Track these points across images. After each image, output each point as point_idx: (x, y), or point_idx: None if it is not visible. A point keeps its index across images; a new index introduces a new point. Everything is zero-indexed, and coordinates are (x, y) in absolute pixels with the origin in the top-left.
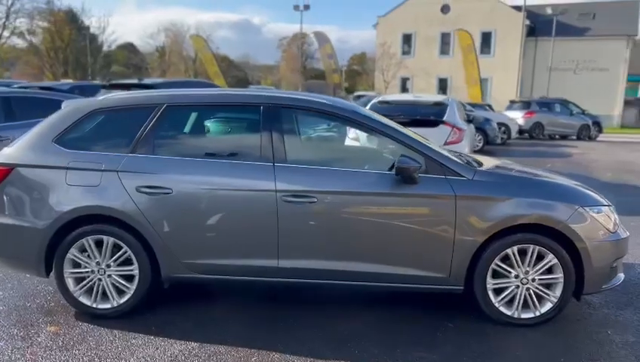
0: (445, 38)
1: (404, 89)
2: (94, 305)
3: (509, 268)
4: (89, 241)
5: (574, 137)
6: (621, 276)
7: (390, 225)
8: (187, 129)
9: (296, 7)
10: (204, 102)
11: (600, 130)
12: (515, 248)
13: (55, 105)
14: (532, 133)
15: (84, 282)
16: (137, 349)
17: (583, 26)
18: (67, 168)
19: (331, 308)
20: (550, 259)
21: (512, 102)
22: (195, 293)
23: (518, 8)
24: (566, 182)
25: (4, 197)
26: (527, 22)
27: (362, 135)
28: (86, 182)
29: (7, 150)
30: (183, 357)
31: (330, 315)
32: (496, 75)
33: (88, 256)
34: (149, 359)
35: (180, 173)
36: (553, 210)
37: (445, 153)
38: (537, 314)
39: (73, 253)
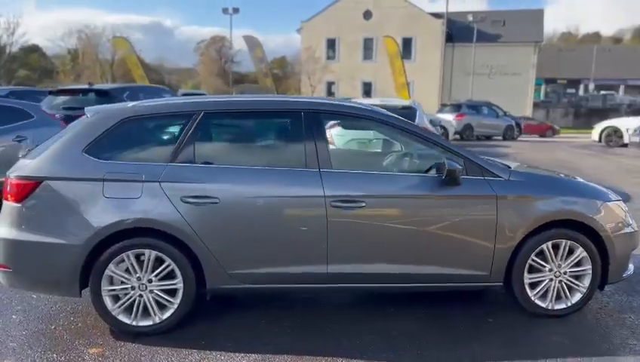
0: (368, 44)
1: (329, 93)
2: (134, 323)
3: (543, 263)
4: (129, 256)
5: (500, 138)
6: (631, 266)
7: (435, 227)
8: (227, 136)
9: (225, 11)
10: (242, 109)
11: (520, 131)
12: (550, 243)
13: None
14: (463, 134)
15: (124, 299)
16: None
17: (495, 33)
18: (104, 180)
19: (376, 310)
20: (580, 252)
21: (444, 105)
22: (225, 303)
23: (435, 15)
24: (581, 180)
25: (31, 213)
26: (445, 28)
27: (340, 138)
28: (126, 195)
29: (30, 163)
30: None
31: (380, 317)
32: (418, 79)
33: (128, 271)
34: None
35: (226, 182)
36: (582, 206)
37: (478, 155)
38: (569, 304)
39: (112, 269)
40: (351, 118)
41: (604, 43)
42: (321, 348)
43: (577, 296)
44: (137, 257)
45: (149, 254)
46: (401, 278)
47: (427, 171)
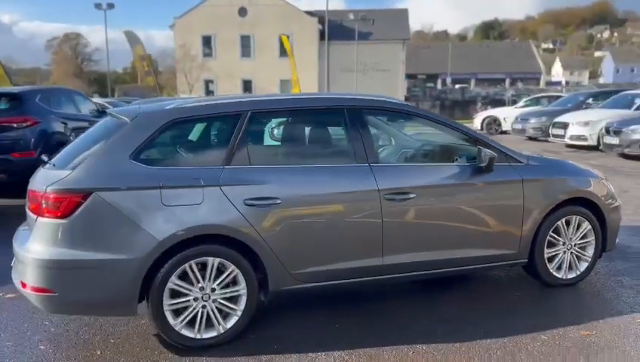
0: (245, 41)
1: (208, 91)
2: (198, 336)
3: (558, 238)
4: (192, 266)
5: None
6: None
7: (475, 212)
8: (276, 135)
9: (98, 6)
10: (286, 107)
11: None
12: (563, 220)
13: None
14: None
15: (188, 312)
16: None
17: (367, 31)
18: (161, 188)
19: (419, 297)
20: (586, 225)
21: None
22: (274, 306)
23: (310, 14)
24: (571, 161)
25: (80, 229)
26: (319, 26)
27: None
28: (187, 201)
29: (69, 173)
30: None
31: (425, 304)
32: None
33: (190, 282)
34: None
35: (285, 182)
36: (587, 184)
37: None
38: (578, 273)
39: (174, 281)
40: (391, 112)
41: (452, 40)
42: (396, 336)
43: (584, 265)
44: (199, 266)
45: (213, 262)
46: (446, 263)
47: (455, 160)
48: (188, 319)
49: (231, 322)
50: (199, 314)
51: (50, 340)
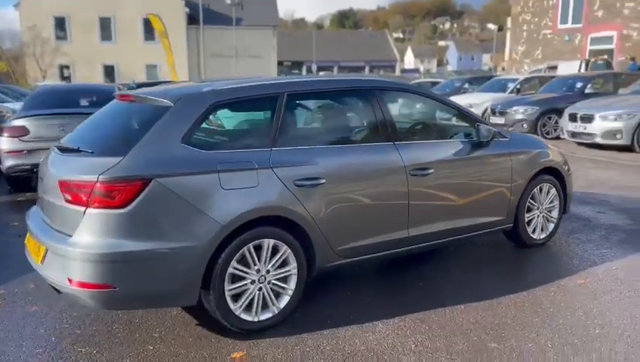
0: (105, 23)
1: (63, 77)
2: (256, 319)
3: (534, 203)
4: (250, 249)
5: None
6: None
7: (477, 183)
8: (310, 116)
9: None
10: (320, 89)
11: None
12: (538, 187)
13: None
14: None
15: (246, 295)
16: (351, 343)
17: (237, 17)
18: (219, 171)
19: (432, 265)
20: (553, 191)
21: None
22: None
23: None
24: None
25: (140, 218)
26: (187, 10)
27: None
28: (244, 184)
29: (123, 161)
30: (397, 335)
31: (438, 273)
32: (164, 61)
33: (248, 265)
34: (378, 346)
35: (328, 162)
36: (555, 155)
37: None
38: (547, 233)
39: (234, 265)
40: (408, 93)
41: (310, 28)
42: (429, 301)
43: (551, 226)
44: (255, 249)
45: (268, 244)
46: (455, 232)
47: (452, 137)
48: (246, 302)
49: (283, 302)
50: (256, 296)
51: (87, 342)
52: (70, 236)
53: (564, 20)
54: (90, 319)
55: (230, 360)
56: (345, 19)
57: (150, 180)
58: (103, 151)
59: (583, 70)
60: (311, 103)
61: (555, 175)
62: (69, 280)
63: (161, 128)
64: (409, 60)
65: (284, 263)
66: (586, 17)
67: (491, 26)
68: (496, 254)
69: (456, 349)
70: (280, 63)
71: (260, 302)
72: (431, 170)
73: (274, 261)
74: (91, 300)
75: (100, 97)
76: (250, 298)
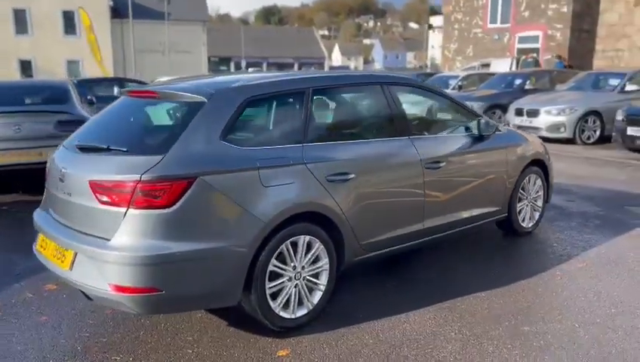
0: (20, 15)
1: None
2: (293, 316)
3: (524, 193)
4: (288, 245)
5: None
6: None
7: (480, 175)
8: (334, 111)
9: None
10: (339, 84)
11: None
12: (527, 178)
13: None
14: None
15: (284, 293)
16: (391, 334)
17: (163, 11)
18: (259, 168)
19: (432, 259)
20: (539, 181)
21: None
22: None
23: None
24: None
25: (185, 218)
26: (111, 3)
27: None
28: (282, 181)
29: (165, 159)
30: (433, 325)
31: (445, 265)
32: (87, 56)
33: (285, 262)
34: (419, 335)
35: (355, 157)
36: (540, 148)
37: None
38: (534, 222)
39: (274, 263)
40: (415, 89)
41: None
42: (451, 290)
43: (537, 215)
44: (292, 246)
45: (303, 240)
46: (462, 223)
47: (453, 131)
48: (285, 300)
49: (316, 298)
50: (292, 293)
51: (116, 349)
52: (108, 239)
53: (493, 20)
54: (111, 326)
55: (277, 358)
56: (270, 15)
57: (195, 178)
58: (139, 149)
59: (514, 67)
60: (334, 98)
61: (541, 166)
62: (111, 286)
63: (199, 125)
64: (336, 58)
65: (316, 259)
66: (513, 17)
67: (413, 25)
68: (489, 245)
69: (495, 334)
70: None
71: (297, 298)
72: (442, 163)
73: (308, 257)
74: (135, 305)
75: (54, 94)
76: (287, 295)
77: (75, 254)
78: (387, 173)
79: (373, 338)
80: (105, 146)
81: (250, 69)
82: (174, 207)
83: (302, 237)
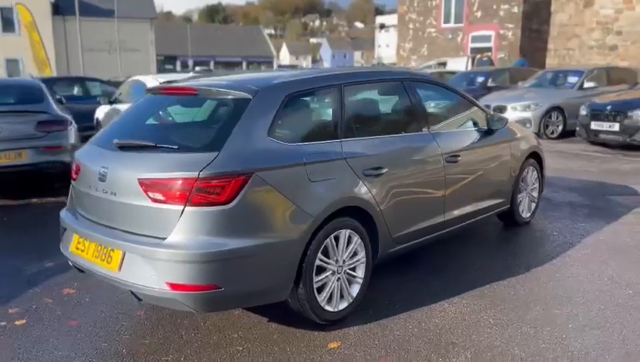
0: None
1: None
2: (336, 309)
3: (523, 185)
4: (331, 240)
5: None
6: None
7: (490, 168)
8: (363, 107)
9: None
10: (368, 80)
11: None
12: (526, 170)
13: None
14: None
15: (329, 287)
16: (433, 323)
17: (108, 8)
18: (305, 164)
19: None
20: (535, 173)
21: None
22: None
23: None
24: None
25: (243, 214)
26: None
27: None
28: (327, 176)
29: (221, 156)
30: (470, 312)
31: (452, 257)
32: (26, 55)
33: (329, 256)
34: (460, 322)
35: (386, 151)
36: (536, 141)
37: None
38: (531, 213)
39: (320, 257)
40: (431, 85)
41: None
42: (470, 279)
43: (533, 206)
44: (335, 240)
45: (345, 234)
46: (474, 214)
47: (466, 125)
48: (329, 294)
49: (355, 290)
50: (335, 286)
51: (164, 351)
52: (164, 238)
53: (447, 20)
54: (148, 328)
55: (329, 350)
56: (214, 13)
57: (251, 174)
58: (190, 146)
59: (469, 66)
60: (363, 94)
61: (536, 158)
62: (169, 285)
63: (247, 122)
64: (284, 56)
65: (355, 253)
66: (466, 17)
67: (359, 25)
68: (493, 236)
69: (530, 318)
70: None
71: (339, 292)
72: (460, 157)
73: (348, 251)
74: (195, 303)
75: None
76: (331, 289)
77: (124, 254)
78: (414, 167)
79: (417, 327)
80: (152, 144)
81: (197, 68)
82: (232, 204)
83: (343, 231)
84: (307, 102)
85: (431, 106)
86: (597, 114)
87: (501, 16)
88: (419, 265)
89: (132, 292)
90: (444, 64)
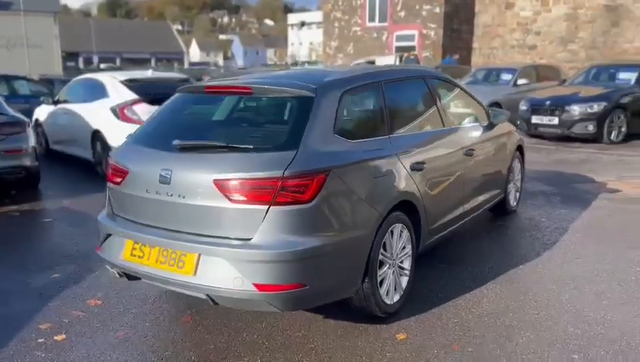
0: None
1: None
2: (392, 302)
3: (512, 175)
4: (389, 234)
5: None
6: None
7: (494, 159)
8: (401, 103)
9: None
10: (397, 78)
11: None
12: (514, 161)
13: None
14: None
15: (388, 280)
16: (481, 309)
17: (7, 1)
18: (367, 160)
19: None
20: (519, 165)
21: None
22: None
23: None
24: None
25: (323, 211)
26: None
27: None
28: (384, 172)
29: (300, 154)
30: (509, 297)
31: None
32: None
33: (386, 250)
34: (510, 303)
35: (425, 146)
36: (517, 134)
37: None
38: (517, 201)
39: (381, 251)
40: (444, 82)
41: (76, 16)
42: (484, 268)
43: (518, 195)
44: (391, 234)
45: (399, 228)
46: (482, 205)
47: (472, 120)
48: (387, 287)
49: (404, 283)
50: (391, 280)
51: (236, 356)
52: (247, 239)
53: (371, 19)
54: (204, 333)
55: (399, 342)
56: (116, 7)
57: (329, 171)
58: (265, 146)
59: (398, 64)
60: (399, 91)
61: (520, 150)
62: (256, 286)
63: (316, 120)
64: (194, 53)
65: (404, 246)
66: (390, 17)
67: (269, 22)
68: (487, 226)
69: (569, 297)
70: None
71: (394, 285)
72: (474, 150)
73: (400, 244)
74: (281, 303)
75: None
76: (389, 282)
77: (199, 258)
78: (444, 161)
79: (470, 314)
80: (224, 145)
81: (102, 65)
82: (314, 202)
83: (397, 225)
84: (358, 99)
85: (446, 103)
86: (537, 108)
87: (424, 16)
88: (435, 257)
89: (209, 297)
90: (372, 62)
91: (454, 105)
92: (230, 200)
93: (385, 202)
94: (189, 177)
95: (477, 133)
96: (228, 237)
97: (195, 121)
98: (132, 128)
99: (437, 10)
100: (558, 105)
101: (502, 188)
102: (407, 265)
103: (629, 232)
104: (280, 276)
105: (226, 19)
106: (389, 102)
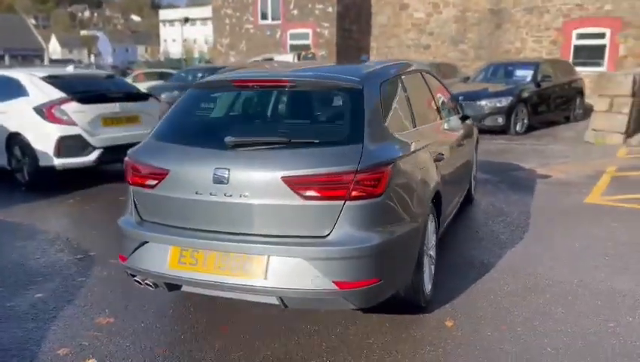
0: None
1: None
2: (429, 291)
3: (475, 166)
4: (428, 224)
5: None
6: None
7: (468, 150)
8: (417, 96)
9: None
10: (406, 71)
11: None
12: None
13: None
14: None
15: (427, 269)
16: (505, 289)
17: None
18: (413, 152)
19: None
20: (476, 154)
21: None
22: None
23: None
24: None
25: (392, 204)
26: None
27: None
28: (424, 164)
29: (367, 148)
30: (534, 285)
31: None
32: None
33: (425, 241)
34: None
35: (441, 138)
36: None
37: None
38: (474, 189)
39: (425, 242)
40: (432, 76)
41: None
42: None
43: (474, 183)
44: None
45: (431, 218)
46: (464, 194)
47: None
48: (427, 277)
49: (433, 271)
50: (428, 269)
51: (288, 358)
52: (324, 236)
53: (264, 16)
54: (251, 337)
55: (448, 329)
56: None
57: (394, 163)
58: (329, 140)
59: (296, 62)
60: (412, 85)
61: (477, 141)
62: (337, 283)
63: (369, 112)
64: (54, 49)
65: (431, 236)
66: (284, 15)
67: (135, 18)
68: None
69: (590, 280)
70: None
71: (429, 274)
72: (464, 142)
73: (432, 234)
74: (358, 299)
75: None
76: (427, 271)
77: (268, 260)
78: (451, 152)
79: (500, 296)
80: (286, 140)
81: None
82: (384, 195)
83: (430, 215)
84: (392, 92)
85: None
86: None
87: (317, 14)
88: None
89: (281, 299)
90: (271, 60)
91: (439, 99)
92: (302, 197)
93: (429, 193)
94: (252, 175)
95: (459, 125)
96: (301, 236)
97: (234, 116)
98: (63, 130)
99: (330, 9)
100: (470, 99)
101: (470, 178)
102: (433, 253)
103: (583, 212)
104: (359, 272)
105: (87, 13)
106: (411, 94)
